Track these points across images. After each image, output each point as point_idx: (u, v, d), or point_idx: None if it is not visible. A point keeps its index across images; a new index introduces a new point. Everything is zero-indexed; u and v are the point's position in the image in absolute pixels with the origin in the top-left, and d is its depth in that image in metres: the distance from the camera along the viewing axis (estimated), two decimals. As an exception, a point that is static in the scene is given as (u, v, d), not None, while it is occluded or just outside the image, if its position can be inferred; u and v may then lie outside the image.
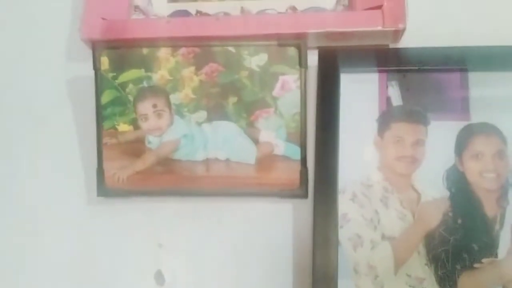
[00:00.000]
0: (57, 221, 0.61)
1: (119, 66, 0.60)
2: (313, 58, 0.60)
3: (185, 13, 0.66)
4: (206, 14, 0.66)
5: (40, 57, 0.67)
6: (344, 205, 0.55)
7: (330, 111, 0.57)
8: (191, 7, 0.67)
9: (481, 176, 0.54)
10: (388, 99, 0.58)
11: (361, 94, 0.58)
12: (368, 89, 0.58)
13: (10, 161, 0.63)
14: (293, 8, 0.65)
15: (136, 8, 0.67)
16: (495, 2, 0.61)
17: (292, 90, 0.58)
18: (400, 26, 0.59)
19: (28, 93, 0.66)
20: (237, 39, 0.61)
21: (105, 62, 0.60)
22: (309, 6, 0.65)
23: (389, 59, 0.58)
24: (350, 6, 0.63)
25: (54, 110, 0.64)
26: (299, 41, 0.58)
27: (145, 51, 0.60)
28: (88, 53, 0.62)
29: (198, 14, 0.66)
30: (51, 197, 0.62)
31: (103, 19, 0.63)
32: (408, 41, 0.60)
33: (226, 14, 0.66)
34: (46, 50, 0.67)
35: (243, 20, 0.63)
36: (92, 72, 0.60)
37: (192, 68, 0.59)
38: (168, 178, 0.58)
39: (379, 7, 0.59)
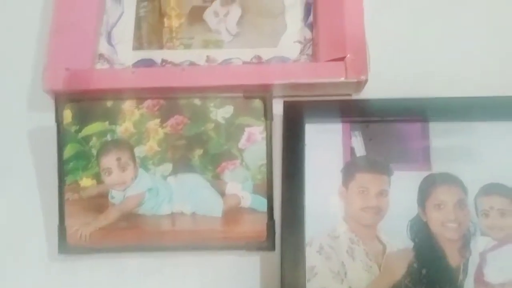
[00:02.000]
0: (16, 279, 0.56)
1: (82, 119, 0.56)
2: (278, 107, 0.59)
3: (150, 62, 0.64)
4: (172, 63, 0.64)
5: (0, 105, 0.64)
6: (312, 257, 0.53)
7: (295, 162, 0.56)
8: (157, 56, 0.65)
9: (443, 226, 0.53)
10: (352, 150, 0.57)
11: (326, 145, 0.57)
12: (333, 139, 0.57)
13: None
14: (258, 58, 0.64)
15: (101, 56, 0.65)
16: (453, 54, 0.61)
17: (257, 142, 0.56)
18: (362, 77, 0.58)
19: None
20: (202, 91, 0.59)
21: (68, 115, 0.56)
22: (273, 55, 0.63)
23: (352, 110, 0.57)
24: (314, 57, 0.62)
25: (14, 161, 0.60)
26: (264, 93, 0.56)
27: (109, 103, 0.57)
28: (51, 102, 0.59)
29: (164, 63, 0.64)
30: (10, 254, 0.57)
31: (66, 69, 0.61)
32: (370, 90, 0.59)
33: (191, 63, 0.64)
34: (7, 99, 0.63)
35: (209, 70, 0.61)
36: (54, 123, 0.58)
37: (157, 121, 0.57)
38: (132, 234, 0.54)
39: (342, 58, 0.59)
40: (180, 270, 0.55)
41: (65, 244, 0.54)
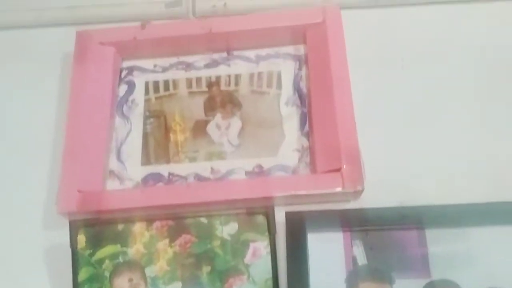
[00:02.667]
0: None
1: (95, 243, 0.59)
2: (280, 214, 0.60)
3: (158, 176, 0.67)
4: (178, 176, 0.67)
5: (16, 224, 0.66)
6: None
7: (300, 273, 0.57)
8: (164, 170, 0.68)
9: None
10: (353, 258, 0.58)
11: (329, 254, 0.58)
12: (335, 248, 0.58)
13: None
14: (260, 167, 0.67)
15: (111, 173, 0.68)
16: (445, 161, 0.63)
17: (263, 256, 0.58)
18: (359, 187, 0.60)
19: (5, 257, 0.64)
20: (208, 205, 0.62)
21: (82, 240, 0.59)
22: (274, 164, 0.66)
23: (352, 219, 0.59)
24: (312, 164, 0.65)
25: (29, 280, 0.62)
26: (266, 209, 0.59)
27: (120, 226, 0.60)
28: (65, 221, 0.62)
29: (171, 176, 0.67)
30: None
31: (79, 191, 0.64)
32: (368, 197, 0.61)
33: (197, 175, 0.67)
34: (22, 217, 0.66)
35: (213, 186, 0.64)
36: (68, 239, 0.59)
37: (166, 241, 0.59)
38: None
39: (338, 169, 0.61)
40: None
41: None
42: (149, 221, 0.59)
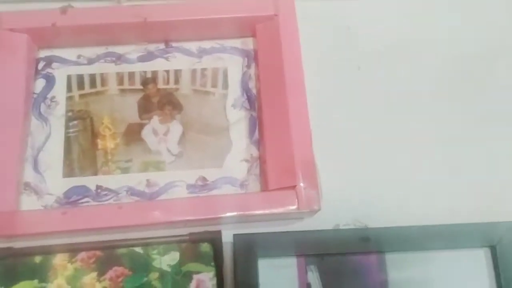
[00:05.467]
0: None
1: (8, 278, 0.47)
2: (227, 235, 0.53)
3: (83, 190, 0.56)
4: (108, 190, 0.57)
5: None
6: None
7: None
8: (90, 182, 0.57)
9: None
10: (308, 285, 0.52)
11: (281, 281, 0.52)
12: (288, 275, 0.51)
13: None
14: (203, 179, 0.57)
15: (27, 185, 0.56)
16: (404, 182, 0.57)
17: (210, 282, 0.50)
18: (315, 207, 0.53)
19: None
20: (143, 229, 0.53)
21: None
22: (219, 176, 0.57)
23: (306, 243, 0.51)
24: (263, 180, 0.57)
25: None
26: (212, 234, 0.51)
27: (38, 258, 0.48)
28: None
29: (99, 190, 0.57)
30: None
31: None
32: (323, 215, 0.55)
33: (130, 188, 0.57)
34: None
35: (149, 206, 0.54)
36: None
37: (94, 274, 0.49)
38: None
39: (293, 187, 0.54)
40: None
41: None
42: (73, 251, 0.49)
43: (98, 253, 0.49)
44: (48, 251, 0.49)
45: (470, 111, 0.60)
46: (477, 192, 0.56)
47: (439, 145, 0.59)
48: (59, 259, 0.49)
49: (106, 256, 0.49)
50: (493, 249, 0.53)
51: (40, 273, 0.49)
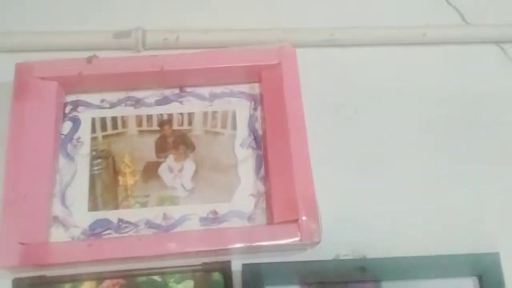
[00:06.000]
0: None
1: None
2: (236, 265, 0.57)
3: (106, 222, 0.62)
4: (128, 223, 0.62)
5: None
6: None
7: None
8: (113, 216, 0.62)
9: None
10: (311, 312, 0.57)
11: None
12: None
13: None
14: (214, 213, 0.63)
15: (55, 219, 0.62)
16: (401, 214, 0.62)
17: None
18: (316, 239, 0.58)
19: None
20: (160, 258, 0.58)
21: None
22: (229, 209, 0.62)
23: (309, 272, 0.56)
24: (268, 211, 0.62)
25: None
26: (223, 264, 0.56)
27: (67, 286, 0.54)
28: (5, 275, 0.56)
29: (120, 223, 0.62)
30: None
31: (21, 243, 0.58)
32: (325, 246, 0.59)
33: (148, 221, 0.62)
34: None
35: (166, 238, 0.60)
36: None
37: (118, 300, 0.55)
38: None
39: (295, 220, 0.59)
40: None
41: None
42: (99, 279, 0.54)
43: (121, 281, 0.54)
44: (76, 279, 0.54)
45: (457, 151, 0.65)
46: (465, 225, 0.61)
47: (430, 182, 0.64)
48: (86, 286, 0.54)
49: (128, 283, 0.54)
50: (480, 278, 0.57)
51: (71, 299, 0.54)
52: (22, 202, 0.59)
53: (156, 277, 0.55)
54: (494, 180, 0.63)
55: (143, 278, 0.54)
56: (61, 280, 0.54)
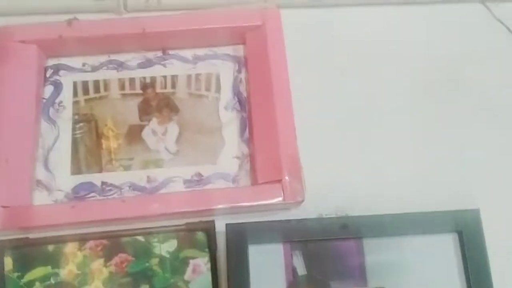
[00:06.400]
0: None
1: (24, 265, 0.53)
2: (220, 225, 0.57)
3: (90, 186, 0.61)
4: (112, 186, 0.62)
5: None
6: None
7: (241, 286, 0.56)
8: (96, 179, 0.62)
9: None
10: (293, 269, 0.57)
11: (269, 266, 0.56)
12: (275, 259, 0.56)
13: None
14: (199, 175, 0.63)
15: (38, 183, 0.62)
16: (383, 172, 0.62)
17: (203, 272, 0.54)
18: (299, 199, 0.59)
19: None
20: (144, 220, 0.58)
21: (8, 262, 0.53)
22: (213, 172, 0.62)
23: (292, 230, 0.56)
24: (252, 173, 0.62)
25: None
26: (206, 224, 0.56)
27: (50, 247, 0.54)
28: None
29: (104, 186, 0.62)
30: None
31: (3, 207, 0.58)
32: (308, 206, 0.59)
33: (132, 184, 0.62)
34: None
35: (149, 200, 0.60)
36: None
37: (101, 261, 0.54)
38: None
39: (279, 181, 0.59)
40: None
41: None
42: (82, 240, 0.55)
43: (104, 242, 0.54)
44: (59, 241, 0.54)
45: (440, 110, 0.65)
46: (445, 183, 0.61)
47: (412, 140, 0.64)
48: (69, 248, 0.54)
49: (112, 244, 0.54)
50: (460, 234, 0.58)
51: (53, 260, 0.54)
52: (5, 166, 0.59)
53: (140, 238, 0.55)
54: (475, 138, 0.64)
55: (127, 239, 0.55)
56: (44, 241, 0.54)
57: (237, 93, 0.66)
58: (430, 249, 0.57)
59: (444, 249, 0.57)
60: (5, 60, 0.63)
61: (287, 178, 0.58)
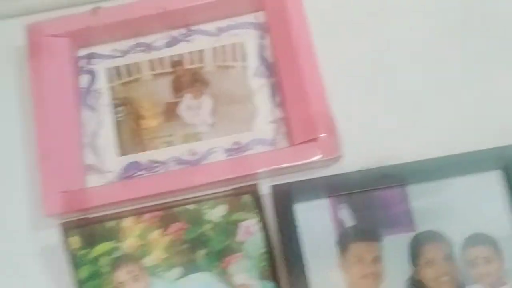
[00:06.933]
0: None
1: (89, 242, 0.57)
2: (265, 188, 0.59)
3: (137, 165, 0.65)
4: (159, 162, 0.65)
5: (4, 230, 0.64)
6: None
7: (291, 243, 0.57)
8: (142, 158, 0.65)
9: (437, 281, 0.55)
10: (341, 222, 0.58)
11: (317, 221, 0.58)
12: (322, 215, 0.58)
13: None
14: (238, 143, 0.65)
15: (90, 167, 0.65)
16: (420, 120, 0.62)
17: (254, 233, 0.57)
18: (337, 154, 0.60)
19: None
20: (192, 190, 0.61)
21: (75, 241, 0.57)
22: (251, 138, 0.64)
23: (335, 185, 0.58)
24: (289, 135, 0.63)
25: (24, 282, 0.61)
26: (252, 187, 0.58)
27: (110, 224, 0.57)
28: (51, 222, 0.60)
29: (151, 163, 0.65)
30: None
31: (62, 192, 0.61)
32: (348, 159, 0.61)
33: (177, 158, 0.65)
34: (9, 223, 0.64)
35: (195, 171, 0.62)
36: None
37: (159, 231, 0.58)
38: None
39: (315, 139, 0.60)
40: None
41: None
42: (139, 214, 0.58)
43: (159, 213, 0.58)
44: (118, 217, 0.58)
45: (473, 46, 0.65)
46: (486, 120, 0.62)
47: (447, 81, 0.64)
48: (128, 222, 0.58)
49: (166, 215, 0.58)
50: (505, 171, 0.58)
51: (114, 235, 0.58)
52: (57, 155, 0.62)
53: (191, 206, 0.58)
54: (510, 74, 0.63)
55: (180, 208, 0.58)
56: (104, 218, 0.57)
57: (263, 60, 0.67)
58: (475, 188, 0.58)
59: (489, 187, 0.58)
60: (39, 55, 0.66)
61: (323, 135, 0.60)
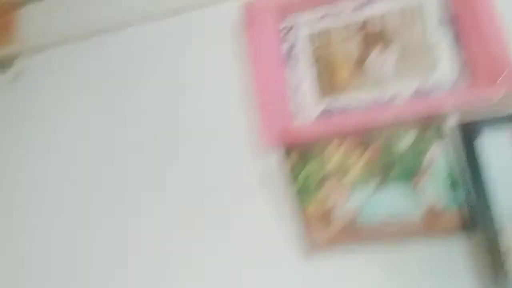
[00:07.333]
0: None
1: (302, 161, 0.73)
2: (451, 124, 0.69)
3: (332, 108, 0.80)
4: (354, 104, 0.78)
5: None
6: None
7: (474, 168, 0.66)
8: (338, 101, 0.78)
9: None
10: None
11: (500, 154, 0.65)
12: (504, 145, 0.66)
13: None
14: (422, 87, 0.74)
15: (297, 111, 0.81)
16: None
17: (440, 157, 0.67)
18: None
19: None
20: (389, 126, 0.72)
21: (293, 160, 0.73)
22: (435, 81, 0.73)
23: None
24: (472, 76, 0.71)
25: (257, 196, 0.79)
26: (439, 119, 0.68)
27: (319, 147, 0.73)
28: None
29: (347, 106, 0.79)
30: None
31: (276, 128, 0.78)
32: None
33: (366, 102, 0.78)
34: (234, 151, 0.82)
35: (386, 109, 0.73)
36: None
37: (358, 152, 0.71)
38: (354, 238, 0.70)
39: (497, 78, 0.67)
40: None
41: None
42: (341, 139, 0.72)
43: (358, 138, 0.71)
44: (324, 142, 0.72)
45: None
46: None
47: None
48: (333, 145, 0.72)
49: (364, 140, 0.71)
50: None
51: (322, 156, 0.72)
52: (270, 102, 0.79)
53: (386, 133, 0.70)
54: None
55: (376, 135, 0.70)
56: (311, 146, 0.73)
57: (443, 11, 0.76)
58: None
59: None
60: (255, 27, 0.83)
61: (504, 74, 0.67)
